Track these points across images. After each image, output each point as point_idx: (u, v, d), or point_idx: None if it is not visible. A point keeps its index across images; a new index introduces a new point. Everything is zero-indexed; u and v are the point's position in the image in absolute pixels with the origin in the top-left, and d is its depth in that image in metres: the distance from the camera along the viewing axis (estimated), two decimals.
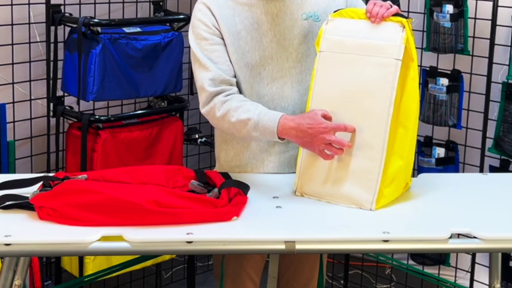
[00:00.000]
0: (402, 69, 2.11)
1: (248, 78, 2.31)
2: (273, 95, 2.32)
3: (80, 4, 3.31)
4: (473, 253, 3.33)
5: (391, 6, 2.17)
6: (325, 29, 2.21)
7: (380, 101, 2.11)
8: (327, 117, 2.14)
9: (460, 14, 3.23)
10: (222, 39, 2.29)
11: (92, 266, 3.18)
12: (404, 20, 2.14)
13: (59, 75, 3.24)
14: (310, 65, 2.29)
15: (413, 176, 2.34)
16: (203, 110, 2.29)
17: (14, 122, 3.24)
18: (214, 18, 2.28)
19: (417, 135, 3.48)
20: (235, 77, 2.30)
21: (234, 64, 2.30)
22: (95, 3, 3.37)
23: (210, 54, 2.27)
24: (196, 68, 2.29)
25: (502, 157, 3.26)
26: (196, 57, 2.28)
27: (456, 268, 3.52)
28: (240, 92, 2.31)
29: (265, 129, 2.18)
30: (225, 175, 2.22)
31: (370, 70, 2.13)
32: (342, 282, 3.69)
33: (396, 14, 2.16)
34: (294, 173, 2.24)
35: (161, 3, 3.50)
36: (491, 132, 3.26)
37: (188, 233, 1.89)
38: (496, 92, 3.24)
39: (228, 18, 2.29)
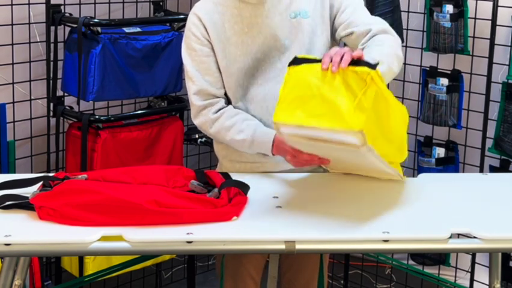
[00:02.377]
0: (378, 109, 1.98)
1: (241, 82, 2.33)
2: (266, 95, 2.32)
3: (80, 4, 3.31)
4: (473, 253, 3.33)
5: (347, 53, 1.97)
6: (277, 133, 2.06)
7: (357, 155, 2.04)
8: None
9: (460, 14, 3.23)
10: (212, 49, 2.33)
11: (92, 266, 3.18)
12: (368, 71, 1.93)
13: (59, 75, 3.24)
14: None
15: (413, 176, 2.34)
16: (195, 121, 2.37)
17: (14, 122, 3.24)
18: (204, 28, 2.32)
19: (417, 135, 3.51)
20: (223, 87, 2.34)
21: (223, 71, 2.33)
22: (95, 3, 3.37)
23: (198, 65, 2.33)
24: (186, 78, 2.36)
25: (502, 157, 3.26)
26: (186, 69, 2.35)
27: (456, 268, 3.52)
28: (233, 94, 2.34)
29: (260, 149, 2.27)
30: (225, 175, 2.22)
31: (340, 151, 2.02)
32: (342, 282, 3.69)
33: (359, 62, 1.95)
34: (294, 171, 2.25)
35: (161, 3, 3.50)
36: (491, 132, 3.26)
37: (188, 233, 1.88)
38: (496, 92, 3.24)
39: (217, 25, 2.31)
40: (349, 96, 1.91)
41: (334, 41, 2.37)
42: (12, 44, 3.20)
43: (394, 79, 2.37)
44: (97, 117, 3.16)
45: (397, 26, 3.32)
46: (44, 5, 3.17)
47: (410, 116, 3.53)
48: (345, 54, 1.95)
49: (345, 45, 2.33)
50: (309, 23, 2.30)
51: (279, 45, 2.31)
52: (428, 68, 3.38)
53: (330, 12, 2.33)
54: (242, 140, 2.27)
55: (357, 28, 2.29)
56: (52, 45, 3.20)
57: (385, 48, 2.19)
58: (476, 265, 3.38)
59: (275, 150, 2.24)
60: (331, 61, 1.94)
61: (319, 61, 1.99)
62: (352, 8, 2.32)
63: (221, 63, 2.33)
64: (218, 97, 2.34)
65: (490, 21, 3.15)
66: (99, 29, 3.08)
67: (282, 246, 1.88)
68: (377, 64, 1.95)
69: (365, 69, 1.93)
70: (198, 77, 2.32)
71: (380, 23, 2.31)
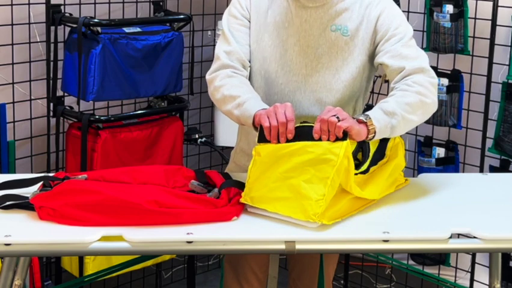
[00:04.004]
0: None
1: (264, 73, 2.33)
2: (283, 96, 2.31)
3: (80, 4, 3.31)
4: (473, 253, 3.33)
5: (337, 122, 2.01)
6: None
7: None
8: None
9: (460, 14, 3.23)
10: (249, 26, 2.34)
11: (92, 266, 3.18)
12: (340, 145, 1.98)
13: (59, 75, 3.24)
14: (328, 77, 2.28)
15: (413, 176, 2.34)
16: (208, 76, 2.32)
17: (14, 122, 3.24)
18: (250, 4, 2.34)
19: (417, 135, 3.51)
20: (249, 61, 2.33)
21: (251, 53, 2.33)
22: (95, 3, 3.37)
23: (234, 33, 2.33)
24: (219, 41, 2.35)
25: (502, 157, 3.26)
26: (223, 31, 2.35)
27: (456, 268, 3.52)
28: (250, 81, 2.33)
29: (245, 111, 2.17)
30: (225, 175, 2.23)
31: None
32: (342, 282, 3.69)
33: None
34: None
35: (161, 3, 3.50)
36: (491, 132, 3.26)
37: (188, 233, 1.89)
38: (496, 92, 3.24)
39: (262, 8, 2.33)
40: (316, 181, 1.96)
41: (372, 66, 2.33)
42: (12, 44, 3.20)
43: None
44: (97, 117, 3.16)
45: None
46: (44, 5, 3.17)
47: None
48: (336, 127, 1.99)
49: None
50: (346, 42, 2.27)
51: (310, 52, 2.29)
52: None
53: (374, 38, 2.28)
54: (237, 96, 2.19)
55: (392, 62, 2.23)
56: (52, 45, 3.20)
57: (408, 96, 2.14)
58: (476, 265, 3.38)
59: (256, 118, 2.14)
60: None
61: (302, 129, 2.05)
62: (396, 39, 2.25)
63: (251, 45, 2.33)
64: (245, 67, 2.32)
65: (490, 21, 3.15)
66: (99, 29, 3.08)
67: (282, 246, 1.88)
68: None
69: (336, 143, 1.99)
70: (233, 41, 2.31)
71: (417, 61, 2.22)
